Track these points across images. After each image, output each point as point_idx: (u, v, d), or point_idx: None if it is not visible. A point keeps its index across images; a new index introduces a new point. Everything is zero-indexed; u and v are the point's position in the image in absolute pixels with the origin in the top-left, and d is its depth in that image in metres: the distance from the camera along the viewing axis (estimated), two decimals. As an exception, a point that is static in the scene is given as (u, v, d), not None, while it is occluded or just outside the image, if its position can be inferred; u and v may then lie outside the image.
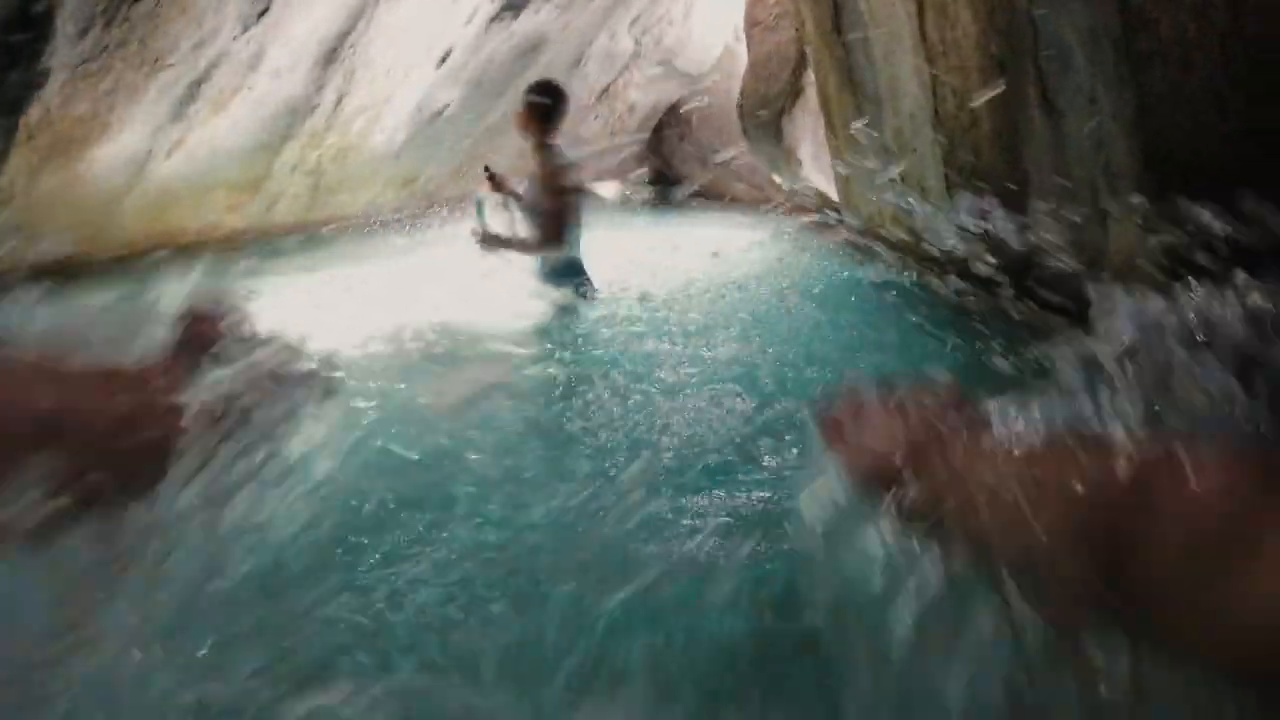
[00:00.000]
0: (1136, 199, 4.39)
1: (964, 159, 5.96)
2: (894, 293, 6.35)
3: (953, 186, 6.22)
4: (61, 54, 4.82)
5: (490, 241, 4.69)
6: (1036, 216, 5.31)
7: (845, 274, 7.04)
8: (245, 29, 5.70)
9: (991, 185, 5.70)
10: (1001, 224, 5.73)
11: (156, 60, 5.32)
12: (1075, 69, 4.56)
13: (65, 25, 4.73)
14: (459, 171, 9.75)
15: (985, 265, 6.09)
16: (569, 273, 4.90)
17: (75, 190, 5.52)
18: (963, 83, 5.68)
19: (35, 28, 4.65)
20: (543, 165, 4.71)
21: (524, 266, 4.84)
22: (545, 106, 4.59)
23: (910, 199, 7.02)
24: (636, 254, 7.17)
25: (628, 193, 13.35)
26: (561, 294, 4.90)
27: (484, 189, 4.95)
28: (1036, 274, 5.53)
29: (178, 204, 6.46)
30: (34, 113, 4.96)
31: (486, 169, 5.00)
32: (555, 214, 4.65)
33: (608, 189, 13.33)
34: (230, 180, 6.77)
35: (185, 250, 6.36)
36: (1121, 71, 4.21)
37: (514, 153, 10.28)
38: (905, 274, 6.73)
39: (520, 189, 4.90)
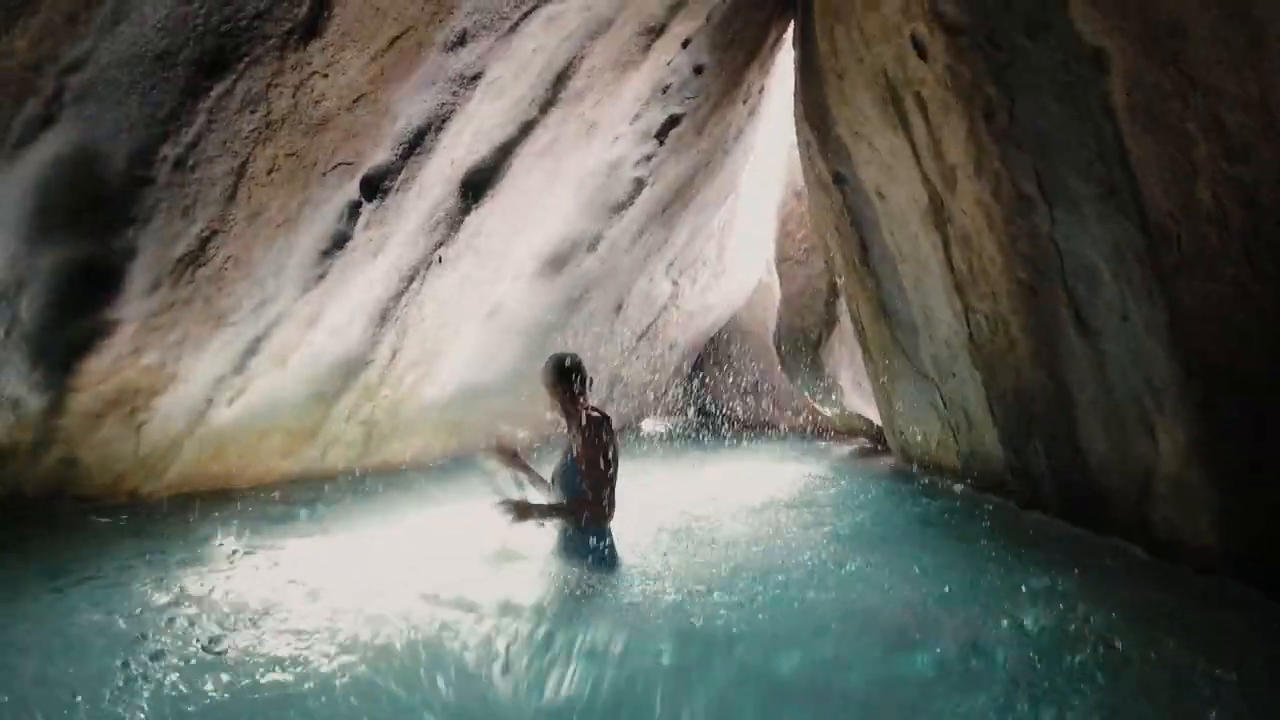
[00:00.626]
0: (1182, 412, 4.21)
1: (1004, 382, 5.86)
2: (950, 518, 6.04)
3: (995, 409, 6.08)
4: (132, 307, 5.09)
5: (524, 512, 4.19)
6: (1082, 434, 5.11)
7: (900, 510, 6.58)
8: (305, 291, 6.00)
9: (1034, 406, 5.56)
10: (1046, 446, 5.55)
11: (221, 318, 5.59)
12: (1104, 287, 4.53)
13: (135, 281, 5.02)
14: (511, 418, 9.90)
15: (1029, 486, 5.87)
16: (592, 537, 4.33)
17: (135, 432, 5.66)
18: (994, 308, 5.68)
19: (106, 283, 4.95)
20: (578, 430, 4.39)
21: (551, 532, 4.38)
22: (567, 383, 4.45)
23: (953, 423, 6.88)
24: (682, 498, 6.81)
25: (671, 428, 13.43)
26: (581, 560, 4.29)
27: (492, 463, 4.62)
28: (1082, 492, 5.27)
29: (233, 447, 6.58)
30: (102, 360, 5.18)
31: (498, 440, 4.79)
32: (598, 479, 4.25)
33: (652, 425, 13.43)
34: (287, 427, 6.91)
35: (235, 492, 6.42)
36: (1150, 285, 4.16)
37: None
38: (958, 503, 6.46)
39: (546, 468, 4.57)
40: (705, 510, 6.33)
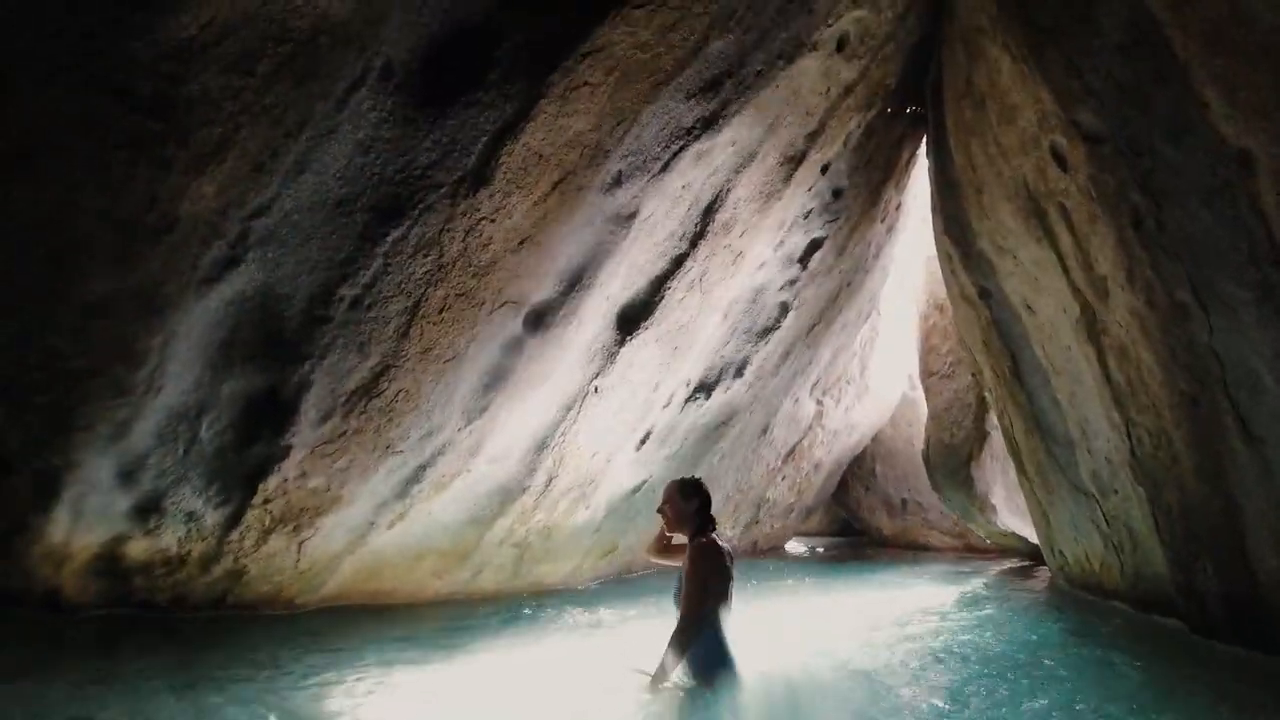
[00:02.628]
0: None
1: (1169, 497, 5.56)
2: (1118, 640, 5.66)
3: (1160, 525, 5.75)
4: (304, 434, 5.47)
5: (661, 678, 4.11)
6: (1251, 550, 4.78)
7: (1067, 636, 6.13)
8: (469, 422, 6.34)
9: (1201, 522, 5.24)
10: (1214, 564, 5.19)
11: (388, 446, 5.89)
12: (1267, 393, 4.33)
13: (309, 411, 5.44)
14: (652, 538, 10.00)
15: (1198, 607, 5.45)
16: (714, 663, 4.11)
17: (297, 548, 6.00)
18: (1155, 421, 5.46)
19: (281, 411, 5.39)
20: (687, 557, 4.21)
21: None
22: (696, 509, 4.25)
23: (1116, 541, 6.53)
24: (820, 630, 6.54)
25: (814, 548, 13.18)
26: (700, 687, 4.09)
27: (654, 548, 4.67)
28: (1255, 612, 4.87)
29: (389, 569, 6.84)
30: (272, 482, 5.56)
31: (658, 535, 4.67)
32: (691, 611, 4.09)
33: (796, 546, 13.23)
34: (441, 549, 7.12)
35: (389, 609, 6.65)
36: (1320, 391, 3.97)
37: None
38: (1122, 625, 6.06)
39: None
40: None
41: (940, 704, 4.36)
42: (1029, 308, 6.67)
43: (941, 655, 5.53)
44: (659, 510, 4.41)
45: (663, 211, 6.67)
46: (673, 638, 4.06)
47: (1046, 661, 5.34)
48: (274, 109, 4.29)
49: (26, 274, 4.23)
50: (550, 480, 7.51)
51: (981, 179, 6.42)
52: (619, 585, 8.87)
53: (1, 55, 3.77)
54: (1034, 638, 6.05)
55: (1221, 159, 4.06)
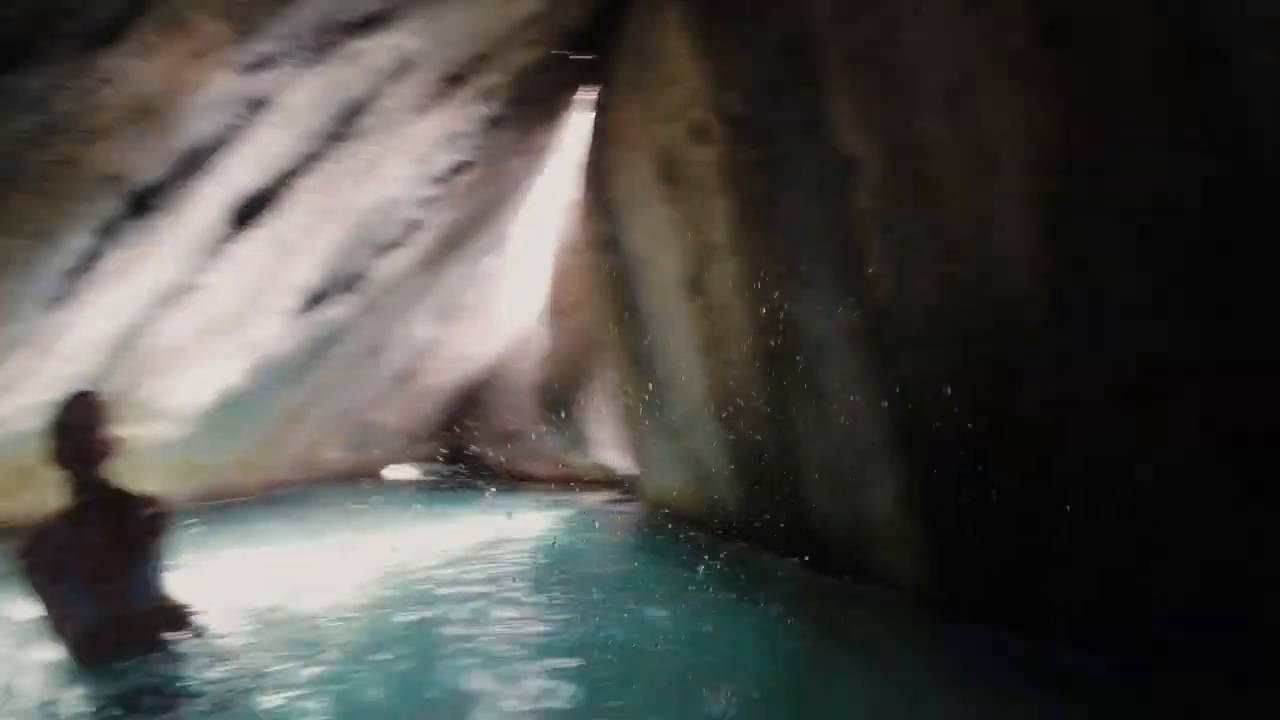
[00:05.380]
0: (894, 468, 4.96)
1: (745, 440, 6.50)
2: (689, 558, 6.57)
3: (737, 465, 6.70)
4: None
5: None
6: (810, 489, 5.80)
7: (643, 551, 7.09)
8: (47, 313, 5.63)
9: (770, 463, 6.21)
10: (778, 499, 6.22)
11: None
12: (834, 359, 5.24)
13: None
14: (250, 463, 9.53)
15: (763, 534, 6.52)
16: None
17: None
18: (739, 373, 6.34)
19: None
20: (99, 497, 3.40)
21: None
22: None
23: (699, 475, 7.47)
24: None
25: (420, 475, 13.31)
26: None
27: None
28: (810, 540, 5.96)
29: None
30: None
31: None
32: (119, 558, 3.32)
33: (398, 473, 13.26)
34: (4, 464, 6.31)
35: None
36: (872, 360, 4.91)
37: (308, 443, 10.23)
38: (700, 547, 7.00)
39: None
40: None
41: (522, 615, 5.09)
42: (648, 262, 7.32)
43: (525, 575, 6.27)
44: (73, 437, 3.30)
45: (306, 105, 6.37)
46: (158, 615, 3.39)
47: (630, 571, 6.38)
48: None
49: None
50: (134, 387, 6.89)
51: (631, 136, 6.92)
52: (215, 512, 8.41)
53: None
54: (619, 556, 6.90)
55: (833, 160, 4.82)
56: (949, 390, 4.47)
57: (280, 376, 8.74)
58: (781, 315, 5.62)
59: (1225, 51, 3.13)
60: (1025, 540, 4.25)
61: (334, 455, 11.21)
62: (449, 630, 4.74)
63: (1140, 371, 3.63)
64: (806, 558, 5.99)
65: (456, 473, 13.15)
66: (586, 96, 8.64)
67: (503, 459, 13.14)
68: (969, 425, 4.39)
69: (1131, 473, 3.75)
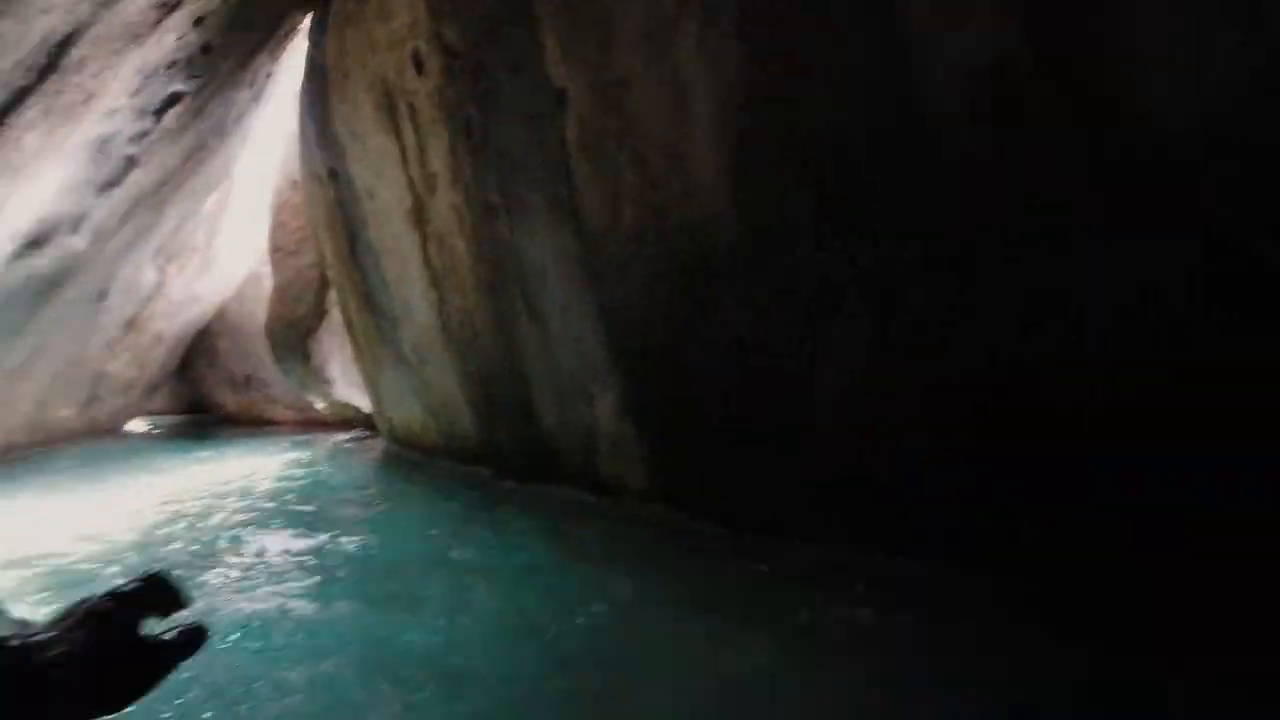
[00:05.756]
0: (612, 383, 5.38)
1: (473, 366, 6.71)
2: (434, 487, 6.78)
3: (467, 391, 6.91)
4: None
5: None
6: (537, 407, 6.13)
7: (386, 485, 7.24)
8: None
9: (499, 386, 6.48)
10: (509, 420, 6.51)
11: None
12: (551, 284, 5.56)
13: None
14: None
15: (498, 455, 6.82)
16: None
17: None
18: (464, 301, 6.51)
19: None
20: None
21: None
22: None
23: (433, 405, 7.61)
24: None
25: (157, 427, 12.51)
26: None
27: None
28: (541, 457, 6.32)
29: None
30: None
31: None
32: None
33: (138, 425, 12.39)
34: None
35: None
36: (585, 284, 5.25)
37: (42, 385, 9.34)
38: (440, 475, 7.21)
39: None
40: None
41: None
42: (370, 193, 7.29)
43: (272, 510, 6.35)
44: None
45: (13, 37, 5.81)
46: None
47: (372, 494, 6.72)
48: None
49: None
50: None
51: (349, 66, 6.80)
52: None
53: None
54: (362, 485, 7.00)
55: (544, 93, 5.05)
56: (654, 310, 4.91)
57: (2, 327, 7.99)
58: (502, 243, 5.84)
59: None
60: (724, 445, 4.81)
61: (66, 413, 10.32)
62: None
63: (813, 290, 4.18)
64: (539, 474, 6.36)
65: (195, 422, 12.50)
66: (306, 25, 8.31)
67: (241, 405, 12.60)
68: (673, 341, 4.86)
69: (811, 380, 4.33)
